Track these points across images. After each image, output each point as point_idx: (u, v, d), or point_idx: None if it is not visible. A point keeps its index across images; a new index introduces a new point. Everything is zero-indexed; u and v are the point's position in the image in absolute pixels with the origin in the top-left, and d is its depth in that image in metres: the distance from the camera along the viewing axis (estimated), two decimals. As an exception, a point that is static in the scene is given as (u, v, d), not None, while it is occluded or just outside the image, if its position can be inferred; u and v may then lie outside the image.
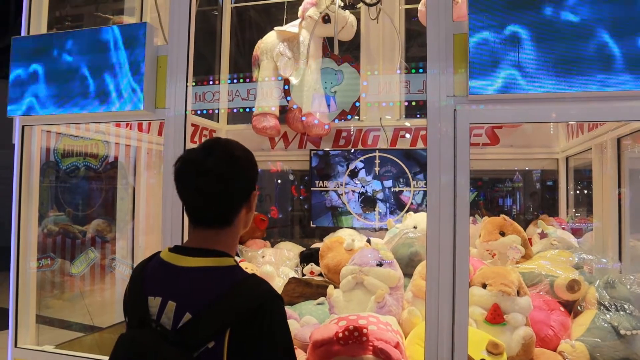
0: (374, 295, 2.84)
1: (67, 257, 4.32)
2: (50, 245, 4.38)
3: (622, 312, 2.66)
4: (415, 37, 4.86)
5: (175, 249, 1.44)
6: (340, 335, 2.32)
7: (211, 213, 1.42)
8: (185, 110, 2.65)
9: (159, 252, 1.49)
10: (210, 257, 1.38)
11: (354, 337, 2.31)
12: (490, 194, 5.70)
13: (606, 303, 2.72)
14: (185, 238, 2.56)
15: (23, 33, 3.18)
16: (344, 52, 4.08)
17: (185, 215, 2.56)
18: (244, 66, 5.08)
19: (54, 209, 4.78)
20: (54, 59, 2.95)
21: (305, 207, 5.09)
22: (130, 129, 4.12)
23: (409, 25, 4.76)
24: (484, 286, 2.68)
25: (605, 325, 2.62)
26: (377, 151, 4.40)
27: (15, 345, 3.04)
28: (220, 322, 1.25)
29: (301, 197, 5.47)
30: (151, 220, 4.28)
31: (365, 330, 2.34)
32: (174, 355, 1.24)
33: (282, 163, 5.13)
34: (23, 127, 3.14)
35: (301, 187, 5.37)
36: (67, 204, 4.89)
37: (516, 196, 5.53)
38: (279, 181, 5.66)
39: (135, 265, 4.09)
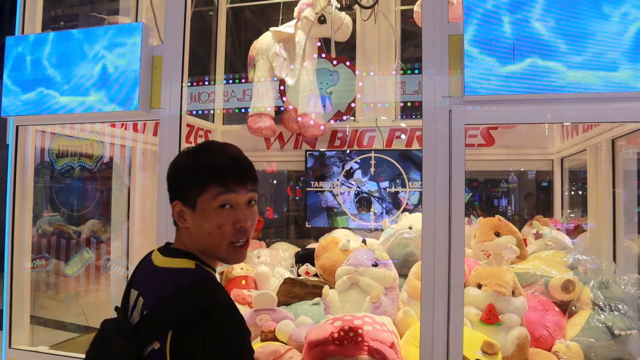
0: (369, 295, 2.85)
1: (61, 257, 4.30)
2: (45, 246, 4.36)
3: (616, 313, 2.67)
4: (410, 38, 4.87)
5: (161, 248, 1.44)
6: (336, 335, 2.32)
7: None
8: (181, 110, 2.65)
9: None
10: (176, 257, 1.36)
11: (349, 338, 2.31)
12: (486, 194, 5.72)
13: (600, 303, 2.73)
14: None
15: (17, 33, 3.17)
16: (340, 52, 4.08)
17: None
18: (239, 67, 5.08)
19: (48, 209, 4.76)
20: (49, 58, 2.94)
21: (300, 207, 5.09)
22: (125, 129, 4.10)
23: (405, 26, 4.77)
24: (479, 286, 2.69)
25: (600, 325, 2.63)
26: (372, 152, 4.41)
27: (10, 346, 3.02)
28: (162, 323, 1.23)
29: (296, 198, 5.47)
30: (146, 221, 4.27)
31: (360, 331, 2.34)
32: (122, 346, 1.25)
33: (277, 164, 5.13)
34: (17, 127, 3.13)
35: (297, 187, 5.37)
36: (61, 204, 4.87)
37: (511, 197, 5.54)
38: (274, 182, 5.66)
39: (131, 266, 4.09)
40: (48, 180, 4.52)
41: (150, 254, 1.48)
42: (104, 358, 1.28)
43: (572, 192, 4.63)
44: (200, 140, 4.68)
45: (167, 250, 1.41)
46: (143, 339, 1.25)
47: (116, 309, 1.43)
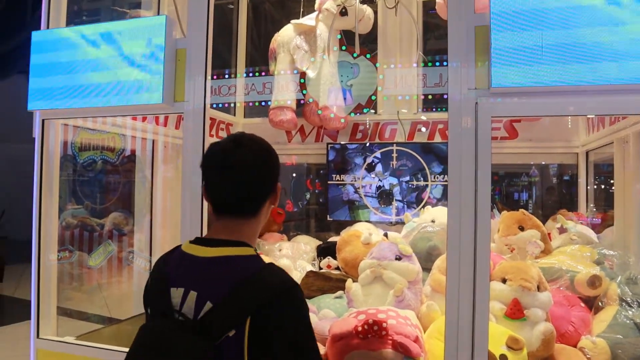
0: (392, 289, 2.84)
1: (85, 249, 4.37)
2: (69, 238, 4.43)
3: (644, 309, 2.63)
4: (432, 30, 4.81)
5: (196, 241, 1.47)
6: (360, 329, 2.32)
7: (240, 203, 1.45)
8: (205, 103, 2.65)
9: (180, 245, 1.51)
10: (230, 246, 1.40)
11: (374, 331, 2.31)
12: (508, 188, 5.66)
13: (628, 299, 2.68)
14: (204, 232, 2.57)
15: (42, 27, 3.20)
16: (361, 45, 4.06)
17: (204, 209, 2.58)
18: (260, 60, 5.08)
19: (72, 202, 4.84)
20: (73, 52, 2.96)
21: (321, 200, 5.08)
22: (148, 122, 4.14)
23: (426, 18, 4.71)
24: (504, 281, 2.66)
25: (627, 321, 2.59)
26: (394, 145, 4.38)
27: (38, 336, 3.08)
28: (240, 310, 1.27)
29: (316, 191, 5.46)
30: (168, 214, 4.30)
31: (384, 324, 2.33)
32: (195, 343, 1.26)
33: (298, 157, 5.13)
34: (43, 120, 3.16)
35: (316, 180, 5.37)
36: (85, 197, 4.95)
37: (533, 191, 5.48)
38: (294, 174, 5.66)
39: (154, 259, 4.13)
40: (71, 173, 4.59)
41: (173, 250, 1.50)
42: None
43: (596, 186, 4.55)
44: (222, 134, 4.70)
45: (210, 241, 1.44)
46: (215, 331, 1.27)
47: (161, 313, 1.39)
